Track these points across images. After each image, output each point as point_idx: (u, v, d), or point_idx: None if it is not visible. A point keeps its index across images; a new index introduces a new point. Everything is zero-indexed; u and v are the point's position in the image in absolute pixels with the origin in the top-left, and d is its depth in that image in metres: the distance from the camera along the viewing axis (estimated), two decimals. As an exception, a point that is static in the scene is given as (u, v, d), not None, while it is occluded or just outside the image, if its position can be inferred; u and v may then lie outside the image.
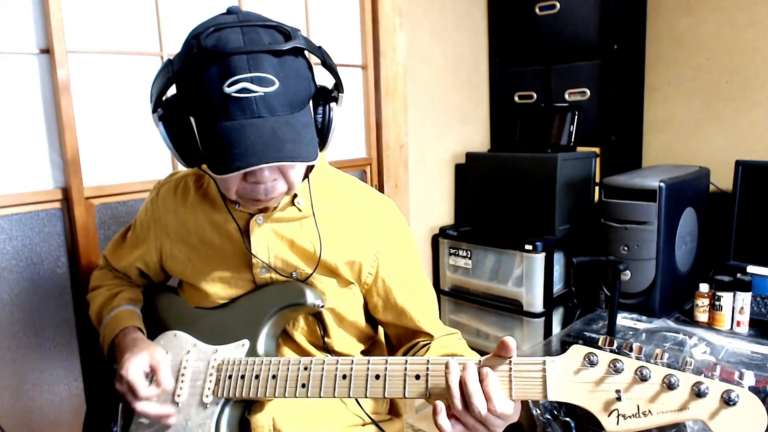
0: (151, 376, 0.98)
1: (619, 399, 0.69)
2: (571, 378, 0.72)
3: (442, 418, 0.77)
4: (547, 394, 0.72)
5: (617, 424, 0.68)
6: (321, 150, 0.93)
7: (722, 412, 0.65)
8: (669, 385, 0.66)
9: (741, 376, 0.67)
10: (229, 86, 0.79)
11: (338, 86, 0.93)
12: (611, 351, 0.72)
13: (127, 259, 1.17)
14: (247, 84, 0.79)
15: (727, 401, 0.64)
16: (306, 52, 0.89)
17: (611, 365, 0.70)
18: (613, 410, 0.69)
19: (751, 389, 0.66)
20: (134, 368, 0.96)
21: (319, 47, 0.92)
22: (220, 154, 0.81)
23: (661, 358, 0.69)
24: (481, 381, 0.76)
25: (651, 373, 0.68)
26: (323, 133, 0.92)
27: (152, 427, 0.99)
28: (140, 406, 0.95)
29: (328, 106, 0.91)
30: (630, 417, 0.68)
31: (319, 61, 0.93)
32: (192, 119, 0.86)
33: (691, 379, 0.67)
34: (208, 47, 0.80)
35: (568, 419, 1.71)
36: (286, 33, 0.85)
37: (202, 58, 0.80)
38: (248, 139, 0.79)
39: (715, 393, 0.65)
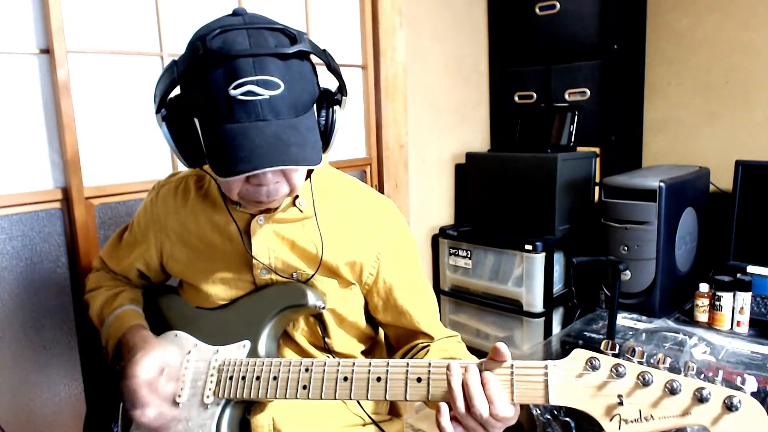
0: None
1: (621, 404, 0.69)
2: (573, 382, 0.72)
3: (445, 420, 0.77)
4: (549, 399, 0.72)
5: (619, 428, 0.68)
6: (324, 152, 0.93)
7: (724, 418, 0.65)
8: (671, 390, 0.66)
9: (743, 382, 0.66)
10: (234, 89, 0.79)
11: (342, 89, 0.94)
12: (613, 355, 0.71)
13: (127, 260, 1.17)
14: (253, 87, 0.79)
15: (729, 407, 0.64)
16: (311, 56, 0.89)
17: (613, 370, 0.70)
18: (615, 415, 0.69)
19: (752, 393, 0.66)
20: (146, 367, 0.94)
21: (324, 50, 0.92)
22: (224, 156, 0.81)
23: (663, 363, 0.69)
24: (483, 384, 0.76)
25: (653, 378, 0.68)
26: (326, 135, 0.92)
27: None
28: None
29: (331, 110, 0.92)
30: (632, 422, 0.67)
31: (323, 63, 0.93)
32: (196, 120, 0.86)
33: (693, 384, 0.66)
34: (214, 49, 0.80)
35: (567, 419, 1.71)
36: (292, 36, 0.85)
37: (208, 59, 0.80)
38: (253, 143, 0.80)
39: (717, 398, 0.65)
